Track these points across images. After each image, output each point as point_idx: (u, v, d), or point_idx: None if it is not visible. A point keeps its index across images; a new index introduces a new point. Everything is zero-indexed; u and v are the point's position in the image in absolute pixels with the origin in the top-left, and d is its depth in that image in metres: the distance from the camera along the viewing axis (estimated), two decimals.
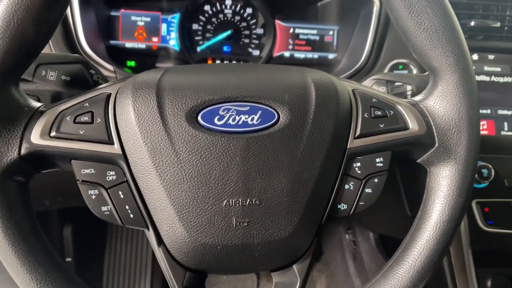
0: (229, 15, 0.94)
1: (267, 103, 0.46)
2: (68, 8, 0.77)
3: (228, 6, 0.94)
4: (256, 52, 0.96)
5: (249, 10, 0.95)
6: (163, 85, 0.46)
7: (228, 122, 0.45)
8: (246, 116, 0.45)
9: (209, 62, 0.95)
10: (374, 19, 0.84)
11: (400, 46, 0.84)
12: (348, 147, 0.48)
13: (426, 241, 0.48)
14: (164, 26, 0.92)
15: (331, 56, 0.97)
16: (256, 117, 0.45)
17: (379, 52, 0.85)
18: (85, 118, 0.45)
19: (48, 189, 0.92)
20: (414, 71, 0.84)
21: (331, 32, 0.97)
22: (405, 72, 0.85)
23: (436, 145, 0.49)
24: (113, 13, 0.90)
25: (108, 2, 0.89)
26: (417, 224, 0.50)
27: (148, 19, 0.91)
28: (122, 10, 0.90)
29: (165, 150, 0.44)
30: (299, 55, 0.96)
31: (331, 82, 0.49)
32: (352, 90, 0.50)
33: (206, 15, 0.94)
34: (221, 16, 0.94)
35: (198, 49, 0.94)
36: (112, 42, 0.90)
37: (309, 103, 0.46)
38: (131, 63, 0.92)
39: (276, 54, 0.96)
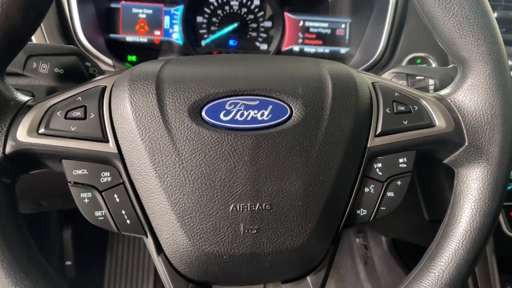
0: (236, 7, 0.92)
1: (278, 96, 0.43)
2: None
3: None
4: (264, 46, 0.94)
5: (256, 2, 0.92)
6: (163, 77, 0.43)
7: (235, 118, 0.42)
8: (255, 111, 0.42)
9: None
10: (390, 10, 0.81)
11: (418, 38, 0.81)
12: (368, 146, 0.45)
13: (455, 250, 0.45)
14: (166, 19, 0.89)
15: (343, 50, 0.95)
16: (266, 113, 0.42)
17: (396, 45, 0.82)
18: (77, 113, 0.42)
19: (44, 189, 0.90)
20: (433, 66, 0.80)
21: (343, 25, 0.94)
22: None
23: (466, 144, 0.46)
24: (113, 5, 0.88)
25: None
26: (443, 231, 0.47)
27: (150, 11, 0.89)
28: (123, 1, 0.88)
29: (166, 149, 0.41)
30: (309, 49, 0.94)
31: (349, 74, 0.46)
32: (372, 83, 0.48)
33: (211, 7, 0.91)
34: (227, 8, 0.92)
35: (203, 43, 0.92)
36: (112, 35, 0.88)
37: (325, 97, 0.44)
38: (132, 58, 0.90)
39: (285, 48, 0.94)
